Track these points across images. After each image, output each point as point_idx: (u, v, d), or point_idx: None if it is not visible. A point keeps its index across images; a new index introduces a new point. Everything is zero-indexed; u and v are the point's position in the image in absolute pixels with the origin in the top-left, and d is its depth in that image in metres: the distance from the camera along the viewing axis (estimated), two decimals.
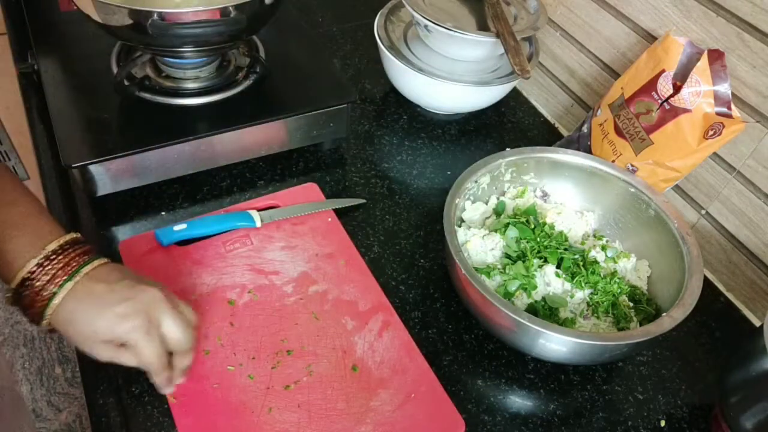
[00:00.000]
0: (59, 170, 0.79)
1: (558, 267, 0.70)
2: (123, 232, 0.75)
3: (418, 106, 0.97)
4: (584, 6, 0.88)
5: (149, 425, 0.59)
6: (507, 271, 0.69)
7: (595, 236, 0.77)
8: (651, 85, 0.72)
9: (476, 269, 0.69)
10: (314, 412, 0.60)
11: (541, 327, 0.59)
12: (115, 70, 0.81)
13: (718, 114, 0.68)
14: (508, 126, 0.98)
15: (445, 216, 0.68)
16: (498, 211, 0.77)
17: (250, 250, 0.73)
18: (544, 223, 0.74)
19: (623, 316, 0.68)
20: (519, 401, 0.65)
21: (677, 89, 0.69)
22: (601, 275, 0.70)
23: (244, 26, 0.74)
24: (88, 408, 0.60)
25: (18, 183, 0.56)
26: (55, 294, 0.51)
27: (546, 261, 0.70)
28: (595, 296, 0.68)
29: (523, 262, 0.69)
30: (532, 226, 0.73)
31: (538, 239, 0.72)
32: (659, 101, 0.71)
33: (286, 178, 0.84)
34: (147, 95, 0.79)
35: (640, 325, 0.67)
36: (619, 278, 0.70)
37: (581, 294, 0.69)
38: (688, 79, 0.68)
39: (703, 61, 0.67)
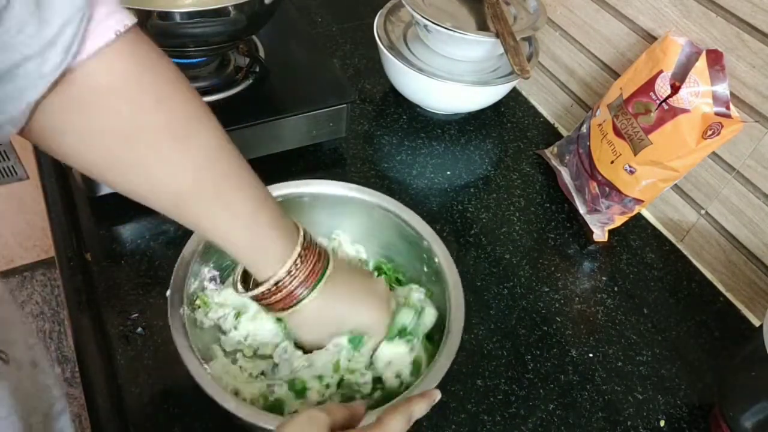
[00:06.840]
0: (59, 170, 0.79)
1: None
2: (123, 232, 0.75)
3: (418, 106, 0.97)
4: (584, 6, 0.88)
5: (149, 425, 0.59)
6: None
7: None
8: (649, 86, 0.72)
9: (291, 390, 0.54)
10: None
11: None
12: None
13: (717, 114, 0.68)
14: (507, 126, 0.98)
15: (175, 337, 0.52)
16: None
17: None
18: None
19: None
20: (519, 401, 0.65)
21: (675, 89, 0.70)
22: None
23: (244, 26, 0.74)
24: (87, 408, 0.60)
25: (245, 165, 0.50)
26: (304, 297, 0.52)
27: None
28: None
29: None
30: None
31: None
32: (657, 102, 0.71)
33: (286, 178, 0.84)
34: None
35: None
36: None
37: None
38: (687, 80, 0.68)
39: (702, 62, 0.68)
